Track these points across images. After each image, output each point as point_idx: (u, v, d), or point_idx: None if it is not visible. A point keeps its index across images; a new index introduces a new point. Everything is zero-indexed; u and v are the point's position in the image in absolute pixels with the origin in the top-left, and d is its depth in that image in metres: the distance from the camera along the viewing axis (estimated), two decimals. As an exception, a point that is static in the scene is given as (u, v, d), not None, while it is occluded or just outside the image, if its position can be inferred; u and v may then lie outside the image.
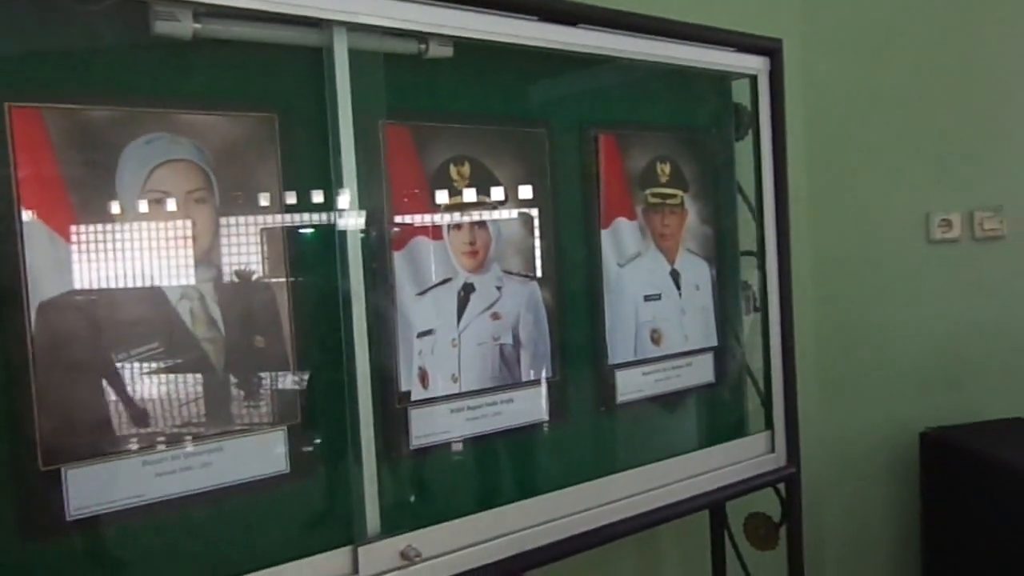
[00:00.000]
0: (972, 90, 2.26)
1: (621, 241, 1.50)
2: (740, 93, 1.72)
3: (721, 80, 1.72)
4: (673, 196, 1.60)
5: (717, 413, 1.71)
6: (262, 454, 1.10)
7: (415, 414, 1.24)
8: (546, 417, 1.40)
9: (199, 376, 1.05)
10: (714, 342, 1.67)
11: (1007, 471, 1.87)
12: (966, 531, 2.02)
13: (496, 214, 1.33)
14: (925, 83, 2.25)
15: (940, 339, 2.29)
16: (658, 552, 1.94)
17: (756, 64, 1.66)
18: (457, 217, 1.29)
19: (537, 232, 1.39)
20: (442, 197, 1.28)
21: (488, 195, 1.32)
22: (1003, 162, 2.26)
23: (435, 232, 1.27)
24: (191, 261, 1.04)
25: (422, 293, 1.25)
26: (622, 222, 1.51)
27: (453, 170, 1.29)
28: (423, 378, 1.25)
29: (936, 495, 2.14)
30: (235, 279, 1.08)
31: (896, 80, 2.25)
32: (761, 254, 1.69)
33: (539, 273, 1.38)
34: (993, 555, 1.92)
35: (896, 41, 2.25)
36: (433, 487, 1.28)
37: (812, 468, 2.16)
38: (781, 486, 1.70)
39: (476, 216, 1.31)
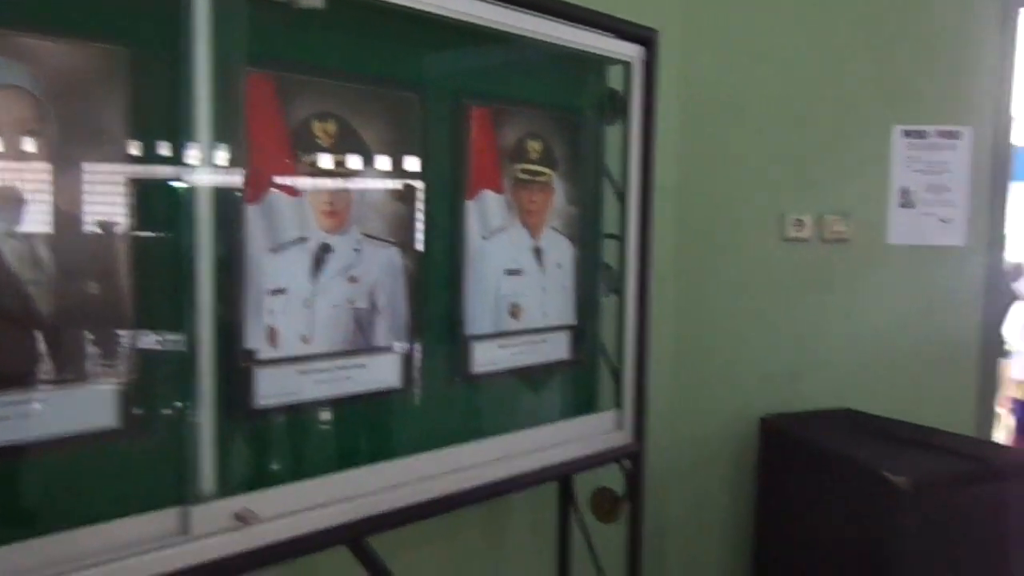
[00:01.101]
0: (827, 103, 2.39)
1: (486, 213, 1.51)
2: (617, 79, 1.76)
3: (597, 64, 1.75)
4: (542, 174, 1.62)
5: (570, 389, 1.75)
6: (89, 408, 1.04)
7: (261, 374, 1.21)
8: (399, 384, 1.40)
9: (22, 320, 0.98)
10: (572, 320, 1.71)
11: (829, 456, 2.01)
12: (793, 511, 2.17)
13: (359, 176, 1.31)
14: (789, 91, 2.37)
15: (787, 332, 2.43)
16: (507, 522, 1.98)
17: (631, 51, 1.70)
18: (318, 175, 1.26)
19: (401, 197, 1.37)
20: (305, 154, 1.24)
21: (352, 155, 1.30)
22: (851, 172, 2.41)
23: (294, 189, 1.23)
24: (20, 198, 0.97)
25: (276, 250, 1.22)
26: (488, 194, 1.52)
27: (317, 127, 1.25)
28: (272, 337, 1.22)
29: (770, 478, 2.28)
30: (70, 223, 1.01)
31: (765, 85, 2.36)
32: (623, 238, 1.74)
33: (400, 239, 1.37)
34: (815, 535, 2.07)
35: (768, 46, 2.36)
36: (276, 449, 1.26)
37: (660, 449, 2.26)
38: (628, 463, 1.77)
39: (338, 176, 1.28)
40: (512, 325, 1.58)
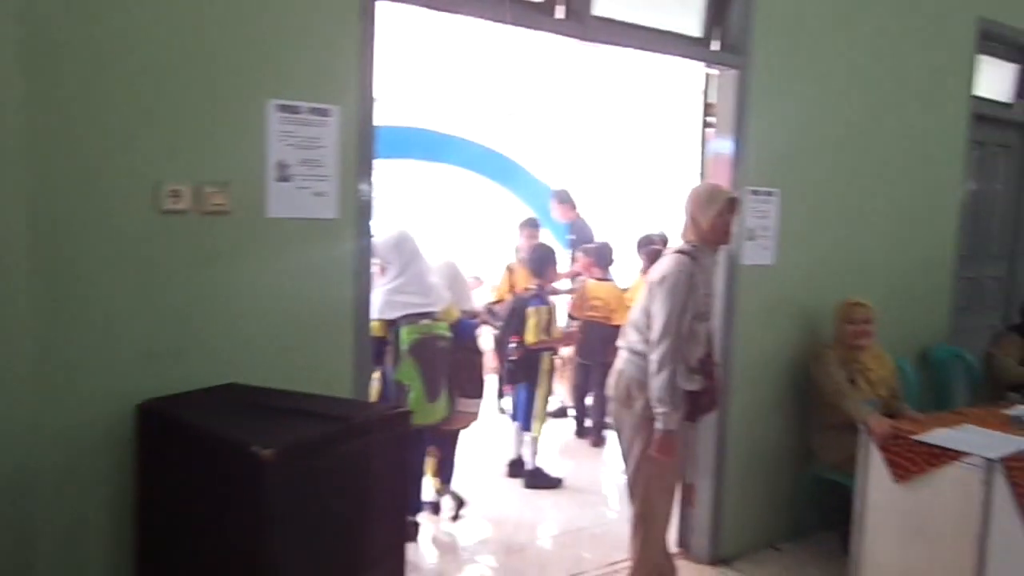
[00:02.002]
0: (203, 72, 2.31)
1: None
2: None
3: None
4: None
5: None
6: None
7: None
8: None
9: None
10: None
11: (203, 436, 1.97)
12: (176, 499, 2.08)
13: None
14: (157, 49, 2.23)
15: (169, 309, 2.31)
16: None
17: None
18: None
19: None
20: None
21: None
22: (229, 144, 2.37)
23: None
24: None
25: None
26: None
27: None
28: None
29: (150, 466, 2.15)
30: None
31: (127, 36, 2.17)
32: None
33: None
34: (196, 522, 2.01)
35: (128, -1, 2.17)
36: None
37: (26, 455, 1.97)
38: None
39: None
40: None
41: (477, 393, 4.14)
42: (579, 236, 6.46)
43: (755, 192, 3.73)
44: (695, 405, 3.04)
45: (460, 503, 4.32)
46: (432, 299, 3.85)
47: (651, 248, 5.71)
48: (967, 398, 4.59)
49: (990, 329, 5.07)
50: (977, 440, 3.21)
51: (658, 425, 2.94)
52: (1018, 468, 3.01)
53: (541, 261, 5.02)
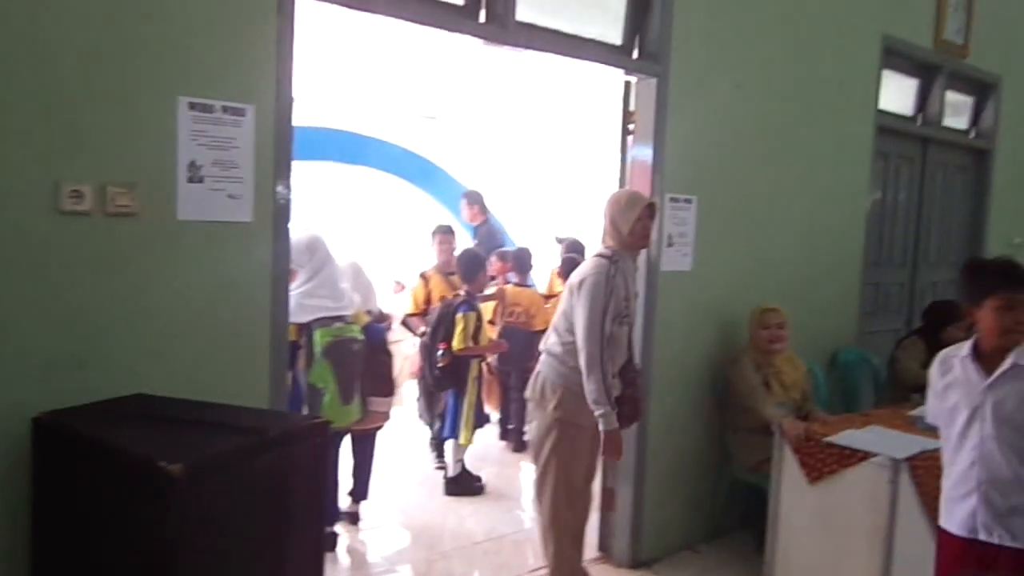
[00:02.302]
0: (110, 66, 2.20)
1: None
2: None
3: None
4: None
5: None
6: None
7: None
8: None
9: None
10: None
11: (109, 451, 1.86)
12: (79, 520, 1.96)
13: None
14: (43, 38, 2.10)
15: (70, 316, 2.18)
16: None
17: None
18: None
19: None
20: None
21: None
22: (136, 143, 2.26)
23: None
24: None
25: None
26: None
27: None
28: None
29: (49, 486, 2.02)
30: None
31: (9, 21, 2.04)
32: None
33: None
34: (101, 544, 1.90)
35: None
36: None
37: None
38: None
39: None
40: None
41: (388, 392, 4.16)
42: (487, 240, 6.31)
43: (674, 199, 3.79)
44: (617, 412, 3.05)
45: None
46: (344, 303, 3.84)
47: (568, 256, 5.75)
48: (873, 400, 4.77)
49: (894, 333, 5.28)
50: (884, 441, 3.33)
51: (601, 427, 2.95)
52: (922, 467, 3.13)
53: (470, 266, 4.98)
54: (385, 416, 4.19)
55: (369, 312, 4.22)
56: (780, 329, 3.93)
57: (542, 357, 3.14)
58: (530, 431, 3.22)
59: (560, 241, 6.70)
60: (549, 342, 3.13)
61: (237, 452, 1.90)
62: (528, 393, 3.18)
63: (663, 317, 3.80)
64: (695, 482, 4.10)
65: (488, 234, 6.42)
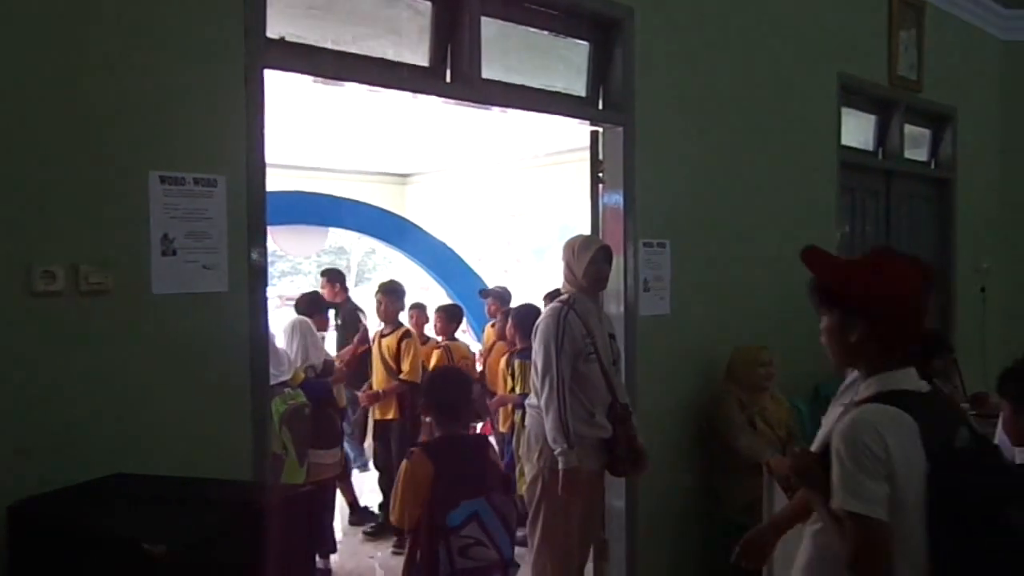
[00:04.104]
0: (78, 147, 2.19)
1: None
2: None
3: None
4: None
5: None
6: None
7: None
8: None
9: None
10: None
11: (90, 536, 1.81)
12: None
13: None
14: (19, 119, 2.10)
15: (42, 399, 2.13)
16: None
17: None
18: None
19: None
20: None
21: None
22: (109, 219, 2.25)
23: None
24: None
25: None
26: None
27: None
28: None
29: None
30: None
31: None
32: None
33: None
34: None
35: None
36: None
37: None
38: None
39: None
40: None
41: (331, 444, 4.39)
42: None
43: (647, 244, 3.82)
44: (613, 455, 3.05)
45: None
46: (285, 367, 4.01)
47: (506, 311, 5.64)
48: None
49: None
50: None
51: (560, 466, 2.95)
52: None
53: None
54: (332, 468, 4.39)
55: (312, 367, 4.37)
56: (771, 366, 3.94)
57: (527, 412, 3.18)
58: (524, 485, 3.22)
59: (485, 295, 6.61)
60: (530, 397, 3.17)
61: (221, 528, 1.85)
62: (519, 449, 3.21)
63: (644, 362, 3.80)
64: (687, 526, 4.05)
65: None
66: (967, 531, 1.61)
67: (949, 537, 1.61)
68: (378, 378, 5.20)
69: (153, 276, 2.31)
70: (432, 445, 2.81)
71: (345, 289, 6.27)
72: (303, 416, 3.98)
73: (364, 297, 6.83)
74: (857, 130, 5.41)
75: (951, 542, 1.61)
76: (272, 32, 2.61)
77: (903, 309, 1.70)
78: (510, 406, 5.02)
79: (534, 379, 3.10)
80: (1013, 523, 1.60)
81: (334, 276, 6.30)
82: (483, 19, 3.20)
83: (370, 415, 5.59)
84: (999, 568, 1.62)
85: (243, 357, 2.50)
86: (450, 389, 2.82)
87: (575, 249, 3.22)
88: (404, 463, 2.68)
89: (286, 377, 3.99)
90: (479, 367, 5.76)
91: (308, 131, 7.47)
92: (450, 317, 5.64)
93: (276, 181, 3.41)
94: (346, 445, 5.33)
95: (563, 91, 3.65)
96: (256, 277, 2.53)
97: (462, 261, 8.34)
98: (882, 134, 5.64)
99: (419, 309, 5.93)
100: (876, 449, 1.60)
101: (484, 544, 2.56)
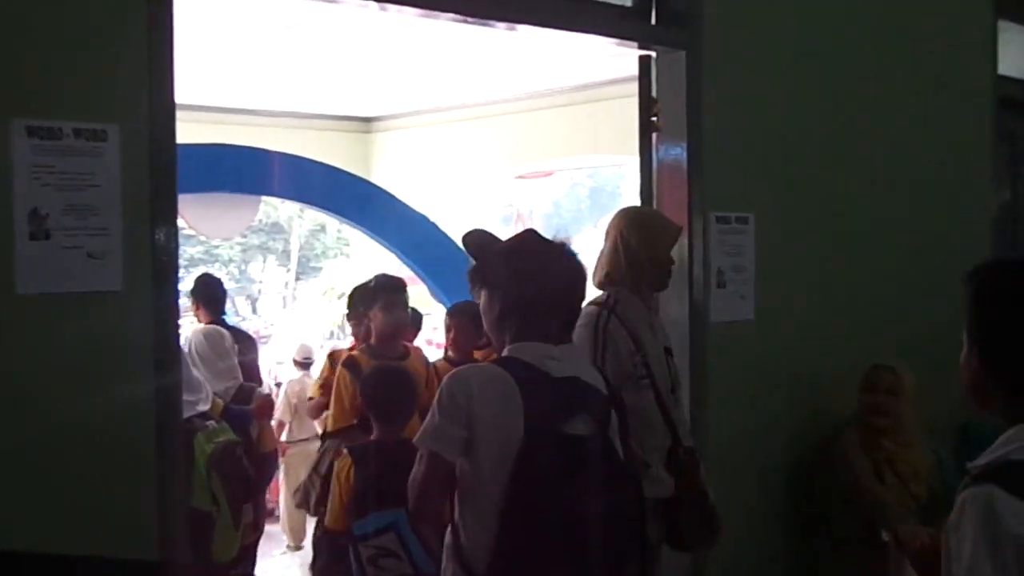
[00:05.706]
0: None
1: None
2: None
3: None
4: None
5: None
6: None
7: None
8: None
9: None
10: None
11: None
12: None
13: None
14: None
15: None
16: None
17: None
18: None
19: None
20: None
21: None
22: None
23: None
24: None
25: None
26: None
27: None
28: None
29: None
30: None
31: None
32: None
33: None
34: None
35: None
36: None
37: None
38: None
39: None
40: None
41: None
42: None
43: (722, 219, 3.80)
44: (673, 522, 3.04)
45: None
46: (204, 393, 4.05)
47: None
48: None
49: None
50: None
51: None
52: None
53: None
54: (254, 528, 4.56)
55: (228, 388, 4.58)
56: (889, 395, 3.90)
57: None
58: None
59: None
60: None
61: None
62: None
63: (717, 386, 3.79)
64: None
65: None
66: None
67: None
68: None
69: (17, 270, 2.32)
70: (358, 449, 3.60)
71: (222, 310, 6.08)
72: (235, 457, 4.00)
73: (312, 295, 6.81)
74: (1020, 54, 5.38)
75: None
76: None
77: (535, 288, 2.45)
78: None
79: None
80: None
81: (205, 292, 5.90)
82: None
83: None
84: None
85: (146, 377, 2.50)
86: (385, 390, 3.68)
87: (641, 225, 3.18)
88: (336, 462, 3.57)
89: (205, 407, 4.01)
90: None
91: (233, 60, 7.48)
92: (476, 322, 5.65)
93: (188, 131, 3.40)
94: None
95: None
96: (163, 269, 2.54)
97: (451, 242, 8.09)
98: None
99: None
100: None
101: (398, 556, 3.23)
